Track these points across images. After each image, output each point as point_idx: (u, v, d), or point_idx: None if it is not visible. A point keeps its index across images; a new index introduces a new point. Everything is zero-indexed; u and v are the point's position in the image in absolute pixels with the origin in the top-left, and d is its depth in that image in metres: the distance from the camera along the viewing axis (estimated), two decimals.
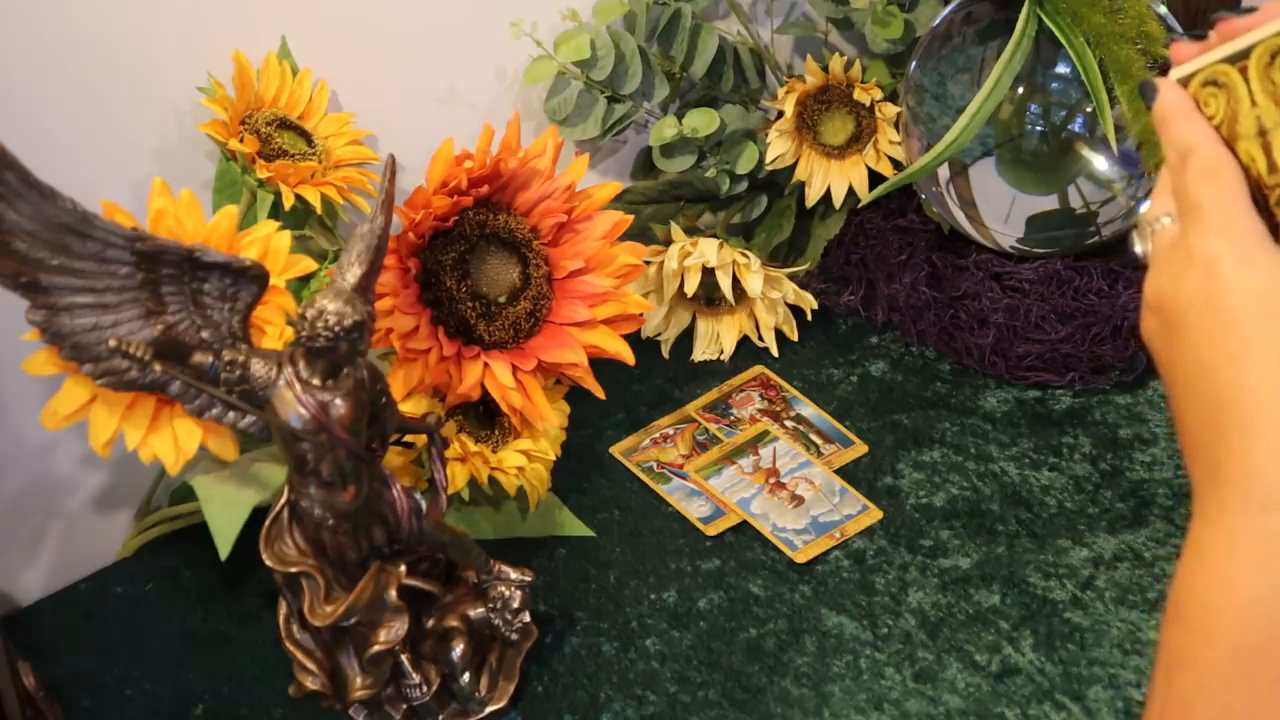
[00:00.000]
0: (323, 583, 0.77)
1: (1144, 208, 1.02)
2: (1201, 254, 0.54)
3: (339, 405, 0.72)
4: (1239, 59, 0.55)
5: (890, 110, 1.06)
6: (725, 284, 1.02)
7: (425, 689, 0.82)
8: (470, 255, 0.89)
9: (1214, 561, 0.53)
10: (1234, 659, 0.52)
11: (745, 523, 0.95)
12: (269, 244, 0.78)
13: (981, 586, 0.89)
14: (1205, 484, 0.54)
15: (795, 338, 1.08)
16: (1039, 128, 1.02)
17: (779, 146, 1.06)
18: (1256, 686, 0.51)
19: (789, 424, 1.02)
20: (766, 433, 1.01)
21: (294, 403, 0.71)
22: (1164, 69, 0.95)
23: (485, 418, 0.93)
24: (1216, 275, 0.53)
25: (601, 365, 0.92)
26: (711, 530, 0.95)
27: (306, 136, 0.91)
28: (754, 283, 1.02)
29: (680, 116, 1.03)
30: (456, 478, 0.87)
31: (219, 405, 0.75)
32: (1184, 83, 0.57)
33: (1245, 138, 0.54)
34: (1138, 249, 0.58)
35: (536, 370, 0.90)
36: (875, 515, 0.95)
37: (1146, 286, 0.57)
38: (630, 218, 0.92)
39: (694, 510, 0.97)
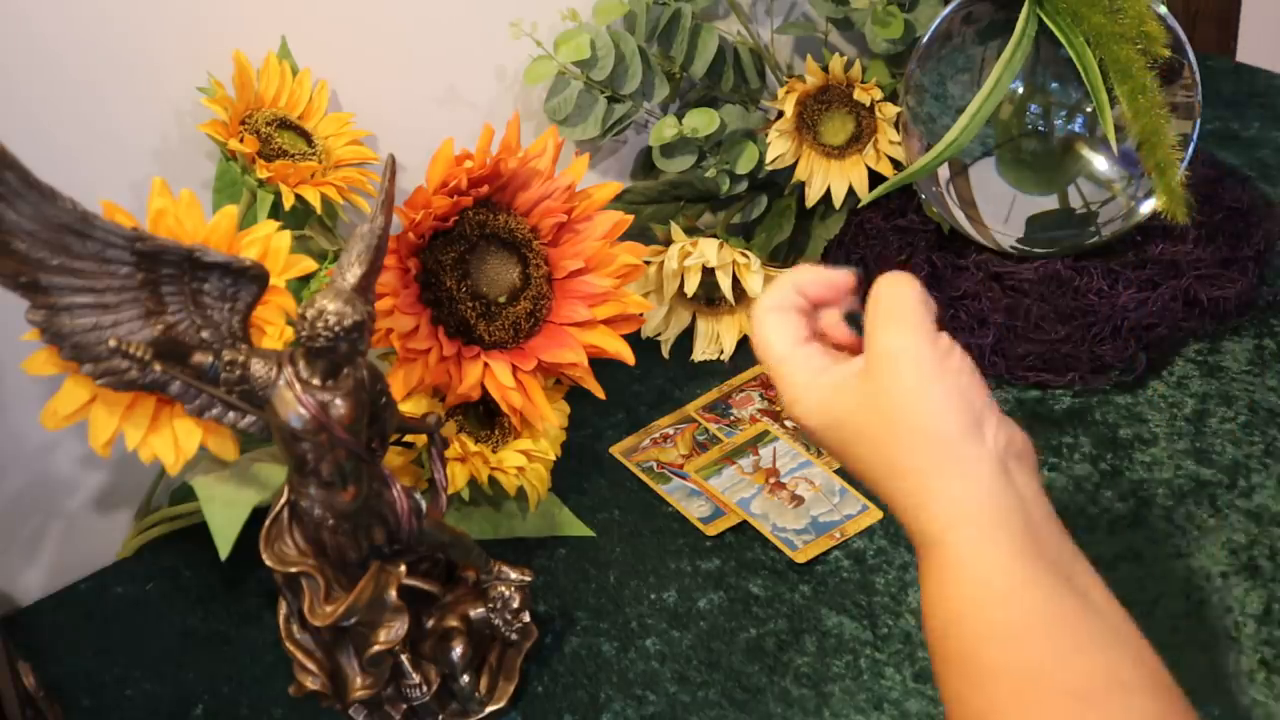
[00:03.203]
0: (323, 583, 0.77)
1: (1145, 207, 1.03)
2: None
3: (339, 405, 0.72)
4: None
5: (890, 110, 1.06)
6: (725, 284, 1.02)
7: (425, 689, 0.82)
8: (470, 255, 0.89)
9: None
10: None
11: (745, 523, 0.95)
12: (269, 244, 0.78)
13: None
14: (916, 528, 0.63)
15: None
16: (1039, 128, 1.02)
17: (779, 146, 1.06)
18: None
19: (789, 424, 1.02)
20: (766, 433, 1.01)
21: (294, 403, 0.71)
22: (1164, 69, 0.95)
23: (485, 418, 0.93)
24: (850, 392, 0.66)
25: (601, 365, 0.92)
26: (711, 530, 0.95)
27: (306, 136, 0.91)
28: (754, 283, 1.02)
29: (680, 116, 1.03)
30: (456, 478, 0.87)
31: (219, 405, 0.74)
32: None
33: None
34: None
35: (536, 370, 0.90)
36: (875, 515, 0.95)
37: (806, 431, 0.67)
38: (630, 218, 0.92)
39: (694, 510, 0.97)
